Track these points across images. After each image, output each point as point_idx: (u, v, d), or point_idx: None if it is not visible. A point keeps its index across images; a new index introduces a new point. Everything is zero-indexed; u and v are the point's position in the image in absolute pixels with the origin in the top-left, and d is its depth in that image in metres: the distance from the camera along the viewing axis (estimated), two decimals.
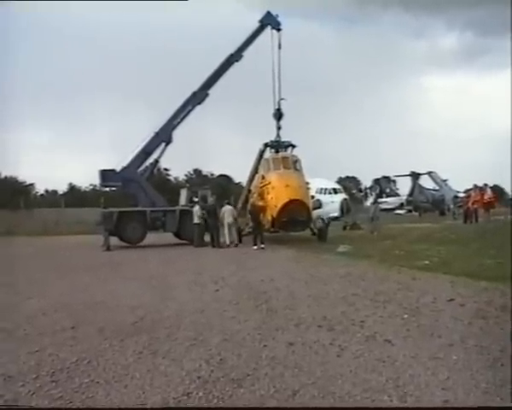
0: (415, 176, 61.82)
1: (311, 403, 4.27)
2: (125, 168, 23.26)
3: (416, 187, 61.67)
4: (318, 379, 4.76)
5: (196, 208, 21.00)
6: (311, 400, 4.32)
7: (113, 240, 21.03)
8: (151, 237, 22.15)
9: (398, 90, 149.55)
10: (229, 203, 21.27)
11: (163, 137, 23.90)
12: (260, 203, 20.70)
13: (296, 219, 19.29)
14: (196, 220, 20.69)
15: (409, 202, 61.90)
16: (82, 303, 8.56)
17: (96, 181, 27.16)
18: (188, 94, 24.45)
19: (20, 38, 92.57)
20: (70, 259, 17.16)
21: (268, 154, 24.20)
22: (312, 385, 4.61)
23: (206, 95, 24.66)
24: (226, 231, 20.31)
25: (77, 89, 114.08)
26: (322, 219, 25.22)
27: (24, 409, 4.47)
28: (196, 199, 24.23)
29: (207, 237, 20.73)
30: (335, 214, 42.72)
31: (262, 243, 18.84)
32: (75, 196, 67.23)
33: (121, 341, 6.16)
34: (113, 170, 23.25)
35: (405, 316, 7.03)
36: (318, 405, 4.24)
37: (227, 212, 20.48)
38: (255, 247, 18.60)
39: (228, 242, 20.13)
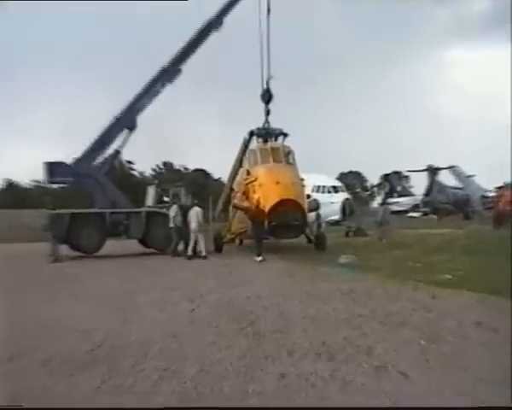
0: (433, 171, 62.17)
1: None
2: (77, 161, 23.09)
3: (434, 184, 62.11)
4: None
5: (174, 209, 20.96)
6: None
7: (64, 249, 20.90)
8: (111, 245, 21.99)
9: (415, 66, 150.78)
10: (196, 204, 21.09)
11: (125, 122, 23.84)
12: (245, 204, 20.70)
13: (288, 223, 19.33)
14: (173, 224, 20.67)
15: (425, 203, 62.37)
16: (22, 328, 8.46)
17: (41, 176, 26.89)
18: (156, 70, 24.43)
19: None
20: (8, 272, 16.91)
21: (254, 144, 24.24)
22: None
23: (179, 71, 24.67)
24: (192, 238, 20.18)
25: (17, 63, 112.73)
26: (320, 224, 25.42)
27: (24, 409, 5.05)
28: (167, 199, 24.17)
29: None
30: (336, 217, 43.02)
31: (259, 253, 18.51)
32: (13, 195, 66.34)
33: (71, 375, 6.09)
34: (62, 163, 23.04)
35: (423, 343, 7.07)
36: None
37: (192, 215, 20.31)
38: (258, 258, 18.23)
39: (190, 252, 19.90)
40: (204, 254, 19.88)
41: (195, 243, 20.04)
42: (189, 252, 19.88)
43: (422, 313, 8.88)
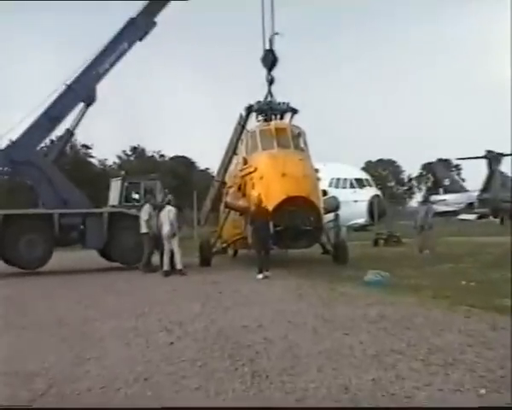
0: (494, 158, 61.86)
1: None
2: (15, 144, 22.84)
3: (495, 177, 61.84)
4: None
5: (146, 209, 20.88)
6: None
7: None
8: (61, 259, 21.95)
9: (461, 26, 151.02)
10: (169, 202, 21.04)
11: (80, 92, 23.68)
12: (241, 203, 20.68)
13: (298, 227, 19.36)
14: (145, 229, 20.65)
15: (483, 202, 62.05)
16: None
17: None
18: (122, 23, 24.37)
19: None
20: None
21: (253, 123, 24.25)
22: None
23: (153, 24, 24.55)
24: (166, 247, 20.11)
25: None
26: (339, 229, 25.40)
27: (24, 409, 5.78)
28: (137, 196, 24.14)
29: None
30: (361, 221, 43.13)
31: (266, 268, 18.29)
32: None
33: None
34: None
35: (482, 391, 6.99)
36: None
37: (163, 216, 20.21)
38: (260, 275, 18.06)
39: (166, 266, 19.84)
40: (180, 267, 19.76)
41: (171, 253, 19.95)
42: (165, 266, 19.81)
43: (480, 349, 8.75)
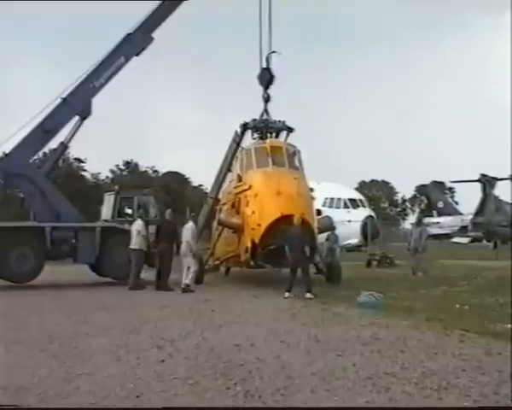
0: (488, 182, 62.20)
1: None
2: (7, 155, 22.80)
3: (489, 200, 62.16)
4: None
5: (138, 224, 20.85)
6: None
7: None
8: (52, 273, 21.84)
9: (466, 40, 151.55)
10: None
11: (75, 105, 23.67)
12: (234, 220, 20.65)
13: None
14: (135, 245, 20.57)
15: (477, 225, 62.27)
16: None
17: None
18: (119, 38, 24.41)
19: None
20: None
21: (249, 141, 24.32)
22: None
23: (150, 40, 24.62)
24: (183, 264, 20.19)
25: None
26: (333, 249, 25.47)
27: (24, 409, 6.13)
28: (130, 210, 24.10)
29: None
30: (355, 241, 43.15)
31: (308, 289, 17.76)
32: None
33: None
34: None
35: None
36: None
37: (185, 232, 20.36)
38: (286, 294, 17.76)
39: (186, 280, 19.84)
40: (189, 282, 19.85)
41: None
42: (185, 281, 19.81)
43: (475, 375, 8.69)
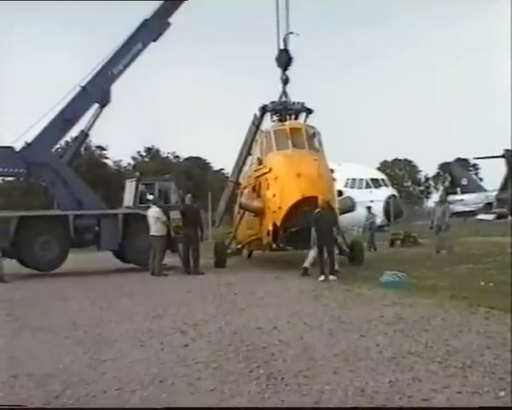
0: None
1: None
2: (30, 145, 22.86)
3: None
4: None
5: (154, 211, 20.95)
6: None
7: (11, 265, 20.88)
8: (75, 260, 21.96)
9: (475, 27, 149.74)
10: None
11: (94, 93, 23.69)
12: (255, 204, 20.64)
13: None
14: (155, 231, 20.66)
15: (501, 201, 61.53)
16: None
17: None
18: (136, 24, 24.37)
19: None
20: None
21: (268, 123, 24.24)
22: None
23: (167, 25, 24.58)
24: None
25: None
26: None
27: (24, 409, 6.02)
28: (151, 196, 24.13)
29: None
30: (378, 221, 42.92)
31: (332, 271, 17.70)
32: None
33: None
34: (9, 148, 22.88)
35: (502, 394, 6.87)
36: None
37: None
38: (322, 277, 17.51)
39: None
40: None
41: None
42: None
43: (499, 351, 8.64)
